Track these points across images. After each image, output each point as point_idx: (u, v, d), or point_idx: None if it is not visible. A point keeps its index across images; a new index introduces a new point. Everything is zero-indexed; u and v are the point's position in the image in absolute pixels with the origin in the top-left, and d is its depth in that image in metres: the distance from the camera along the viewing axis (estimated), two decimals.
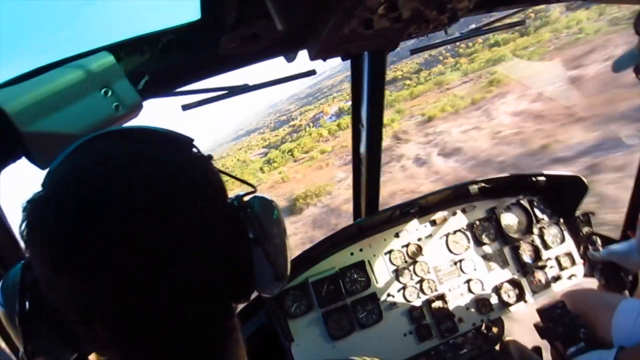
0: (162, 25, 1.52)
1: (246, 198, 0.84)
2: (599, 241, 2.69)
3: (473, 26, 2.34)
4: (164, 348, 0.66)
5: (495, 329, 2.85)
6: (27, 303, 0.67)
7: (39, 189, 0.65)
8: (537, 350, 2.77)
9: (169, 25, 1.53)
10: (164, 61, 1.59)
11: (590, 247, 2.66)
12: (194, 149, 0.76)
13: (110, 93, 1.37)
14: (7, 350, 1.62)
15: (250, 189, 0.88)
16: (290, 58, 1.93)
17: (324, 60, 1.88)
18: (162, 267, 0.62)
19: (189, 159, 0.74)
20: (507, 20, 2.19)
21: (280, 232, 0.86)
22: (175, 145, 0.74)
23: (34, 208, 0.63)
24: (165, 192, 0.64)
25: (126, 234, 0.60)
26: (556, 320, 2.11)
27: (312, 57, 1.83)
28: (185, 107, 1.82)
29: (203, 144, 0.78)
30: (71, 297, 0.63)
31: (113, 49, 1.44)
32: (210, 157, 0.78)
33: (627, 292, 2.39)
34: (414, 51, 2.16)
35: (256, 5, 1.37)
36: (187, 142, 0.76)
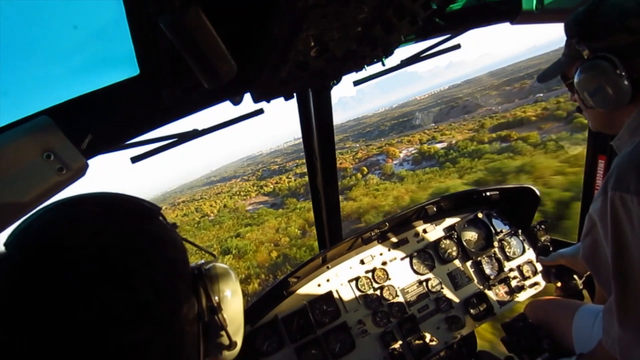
0: (101, 84, 1.53)
1: (206, 266, 0.85)
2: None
3: None
4: None
5: (467, 345, 2.88)
6: None
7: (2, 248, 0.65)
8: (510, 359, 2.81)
9: (108, 83, 1.54)
10: (106, 118, 1.60)
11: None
12: (160, 217, 0.78)
13: (52, 157, 1.36)
14: None
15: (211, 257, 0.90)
16: (235, 101, 1.96)
17: (268, 102, 1.92)
18: (114, 336, 0.62)
19: (156, 229, 0.75)
20: (443, 46, 2.27)
21: (236, 300, 0.88)
22: (142, 215, 0.75)
23: None
24: (129, 260, 0.66)
25: (83, 297, 0.60)
26: (520, 334, 2.14)
27: (255, 100, 1.87)
28: (135, 160, 1.82)
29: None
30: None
31: (52, 112, 1.44)
32: (175, 225, 0.80)
33: (588, 298, 2.46)
34: (357, 82, 2.22)
35: None
36: (154, 210, 0.77)
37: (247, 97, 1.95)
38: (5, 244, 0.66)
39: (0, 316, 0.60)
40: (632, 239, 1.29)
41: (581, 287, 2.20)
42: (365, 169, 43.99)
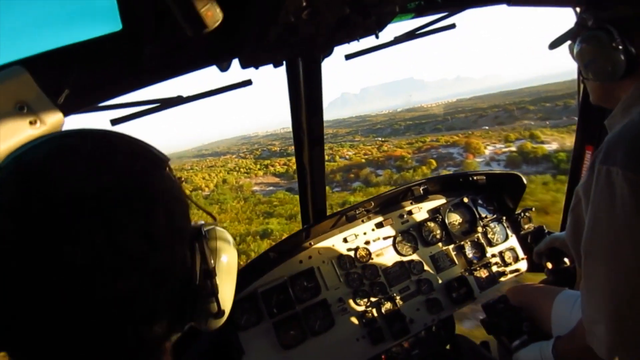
0: (82, 37, 1.47)
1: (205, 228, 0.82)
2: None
3: None
4: None
5: (446, 328, 2.90)
6: None
7: None
8: (486, 345, 2.84)
9: (89, 37, 1.48)
10: (85, 74, 1.54)
11: (533, 243, 2.74)
12: (167, 169, 0.74)
13: (25, 109, 1.30)
14: None
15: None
16: (222, 67, 1.90)
17: (256, 68, 1.87)
18: (102, 283, 0.59)
19: (161, 178, 0.71)
20: (439, 25, 2.23)
21: (231, 268, 0.86)
22: (150, 161, 0.72)
23: None
24: (128, 206, 0.62)
25: (74, 235, 0.57)
26: (500, 315, 2.15)
27: (243, 65, 1.82)
28: (115, 122, 1.76)
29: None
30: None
31: (27, 62, 1.38)
32: (181, 179, 0.78)
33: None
34: (349, 56, 2.17)
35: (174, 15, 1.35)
36: (162, 159, 0.74)
37: (236, 68, 1.91)
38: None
39: None
40: (608, 213, 1.29)
41: (571, 269, 2.21)
42: (433, 161, 36.87)
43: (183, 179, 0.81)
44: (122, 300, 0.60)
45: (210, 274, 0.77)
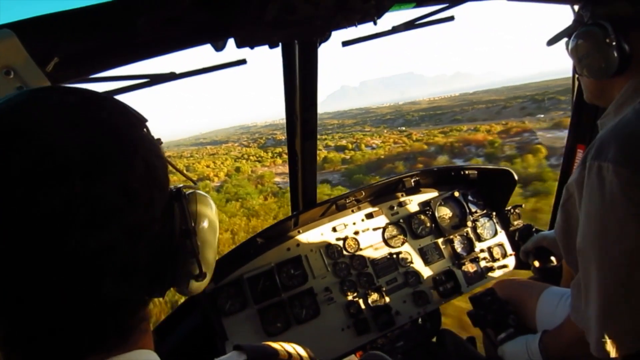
0: (74, 4, 1.43)
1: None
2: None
3: None
4: (56, 327, 0.60)
5: (432, 321, 2.90)
6: None
7: None
8: (472, 340, 2.85)
9: (81, 4, 1.44)
10: (76, 43, 1.50)
11: (521, 241, 2.74)
12: (145, 129, 0.72)
13: (12, 74, 1.27)
14: None
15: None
16: (218, 46, 1.87)
17: (251, 48, 1.83)
18: (77, 236, 0.56)
19: (140, 134, 0.70)
20: (438, 16, 2.22)
21: (212, 231, 0.84)
22: (128, 117, 0.70)
23: None
24: (104, 158, 0.60)
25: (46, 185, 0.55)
26: (487, 308, 2.14)
27: (238, 45, 1.79)
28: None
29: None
30: None
31: (16, 27, 1.33)
32: (159, 140, 0.75)
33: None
34: (346, 43, 2.15)
35: None
36: (140, 119, 0.72)
37: (231, 49, 1.87)
38: None
39: None
40: (601, 209, 1.28)
41: (558, 268, 2.23)
42: (542, 148, 26.90)
43: (161, 140, 0.79)
44: (98, 254, 0.58)
45: (189, 233, 0.75)
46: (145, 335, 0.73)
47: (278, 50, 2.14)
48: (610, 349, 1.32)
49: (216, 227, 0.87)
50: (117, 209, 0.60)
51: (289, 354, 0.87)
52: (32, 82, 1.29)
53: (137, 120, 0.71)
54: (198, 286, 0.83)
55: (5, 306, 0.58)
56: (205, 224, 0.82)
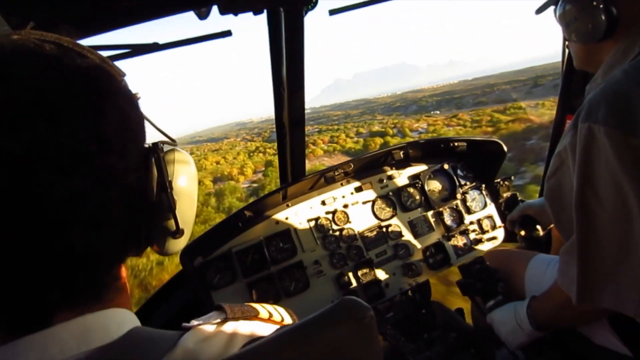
0: None
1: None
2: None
3: None
4: (24, 279, 0.58)
5: (421, 293, 2.92)
6: None
7: None
8: (460, 311, 2.87)
9: None
10: (52, 7, 1.45)
11: (507, 211, 2.75)
12: (122, 82, 0.70)
13: None
14: None
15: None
16: (201, 15, 1.82)
17: (235, 14, 1.78)
18: (44, 180, 0.55)
19: (116, 82, 0.69)
20: None
21: (190, 188, 0.82)
22: (105, 67, 0.68)
23: None
24: (77, 102, 0.59)
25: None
26: (476, 276, 2.15)
27: (222, 11, 1.74)
28: None
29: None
30: None
31: None
32: (137, 95, 0.73)
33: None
34: (333, 12, 2.10)
35: None
36: (119, 72, 0.71)
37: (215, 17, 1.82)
38: None
39: None
40: (598, 170, 1.27)
41: (542, 237, 2.24)
42: None
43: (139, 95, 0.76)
44: (65, 200, 0.56)
45: (166, 187, 0.74)
46: (121, 293, 0.71)
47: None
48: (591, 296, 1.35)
49: (195, 184, 0.85)
50: (87, 155, 0.58)
51: (270, 314, 0.85)
52: None
53: (115, 72, 0.69)
54: (175, 244, 0.81)
55: None
56: (183, 180, 0.80)
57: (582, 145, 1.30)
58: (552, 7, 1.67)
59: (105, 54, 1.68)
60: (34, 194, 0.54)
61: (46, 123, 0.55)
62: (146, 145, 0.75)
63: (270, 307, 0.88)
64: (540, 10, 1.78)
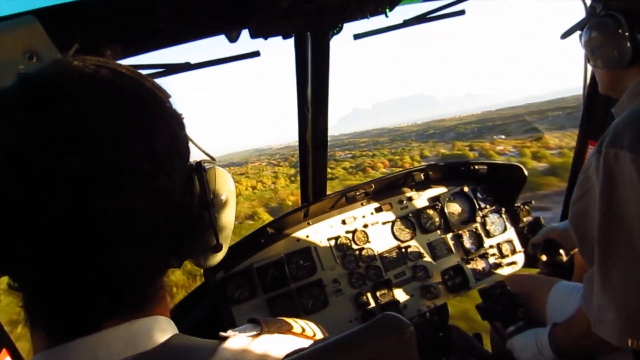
0: None
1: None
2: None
3: None
4: (76, 289, 0.62)
5: (439, 316, 2.91)
6: None
7: None
8: (478, 337, 2.85)
9: None
10: (95, 30, 1.54)
11: (529, 235, 2.74)
12: (169, 103, 0.75)
13: (35, 59, 1.31)
14: None
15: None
16: (231, 37, 1.90)
17: (265, 38, 1.87)
18: (101, 198, 0.59)
19: (166, 105, 0.73)
20: (448, 10, 2.23)
21: (230, 205, 0.85)
22: (157, 90, 0.73)
23: None
24: (133, 123, 0.64)
25: (81, 146, 0.58)
26: (496, 300, 2.14)
27: (253, 35, 1.82)
28: None
29: None
30: (4, 208, 0.59)
31: (39, 13, 1.38)
32: (182, 115, 0.77)
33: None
34: (357, 36, 2.17)
35: None
36: (166, 94, 0.75)
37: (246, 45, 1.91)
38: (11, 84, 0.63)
39: None
40: (622, 196, 1.28)
41: (565, 263, 2.21)
42: None
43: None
44: (119, 217, 0.60)
45: (208, 205, 0.77)
46: (162, 303, 0.75)
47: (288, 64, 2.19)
48: (633, 337, 1.32)
49: (234, 202, 0.88)
50: (141, 174, 0.62)
51: (303, 328, 0.89)
52: None
53: (163, 94, 0.74)
54: (214, 257, 0.85)
55: (28, 268, 0.61)
56: (223, 198, 0.83)
57: (606, 171, 1.31)
58: (577, 33, 1.71)
59: (143, 72, 1.78)
60: (90, 211, 0.58)
61: (108, 144, 0.59)
62: (190, 162, 0.78)
63: (302, 322, 0.91)
64: (565, 35, 1.81)
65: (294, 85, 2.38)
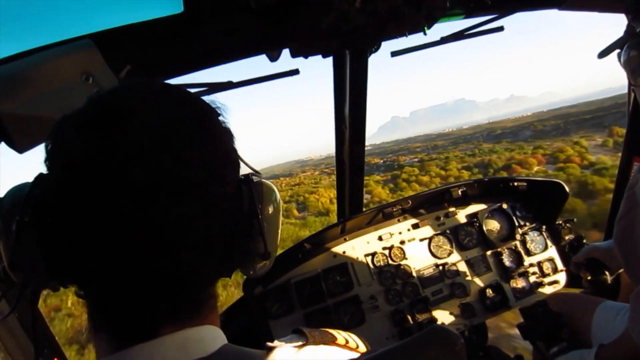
0: (146, 16, 1.56)
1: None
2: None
3: None
4: (139, 294, 0.67)
5: (478, 335, 2.85)
6: (29, 213, 0.68)
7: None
8: (519, 358, 2.77)
9: (152, 16, 1.57)
10: (146, 52, 1.63)
11: (571, 253, 2.66)
12: (222, 118, 0.79)
13: (91, 80, 1.39)
14: None
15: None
16: (272, 57, 1.96)
17: (305, 57, 1.92)
18: (163, 206, 0.63)
19: (221, 120, 0.78)
20: (486, 27, 2.23)
21: (276, 216, 0.89)
22: (209, 105, 0.78)
23: (60, 125, 0.68)
24: (192, 137, 0.69)
25: (140, 165, 0.62)
26: (538, 320, 2.09)
27: (293, 54, 1.87)
28: None
29: None
30: (73, 218, 0.64)
31: (95, 37, 1.47)
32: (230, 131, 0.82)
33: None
34: (395, 53, 2.20)
35: None
36: (219, 107, 0.80)
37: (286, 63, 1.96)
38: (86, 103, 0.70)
39: (62, 160, 0.66)
40: None
41: (610, 282, 2.14)
42: None
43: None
44: (178, 225, 0.65)
45: (257, 214, 0.80)
46: (213, 311, 0.78)
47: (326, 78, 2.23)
48: None
49: (280, 212, 0.91)
50: (198, 183, 0.67)
51: (346, 340, 0.90)
52: (108, 87, 1.41)
53: (216, 111, 0.79)
54: (263, 265, 0.87)
55: (96, 275, 0.66)
56: (270, 208, 0.87)
57: None
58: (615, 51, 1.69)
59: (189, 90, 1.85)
60: (152, 218, 0.63)
61: (168, 156, 0.64)
62: (239, 175, 0.83)
63: (345, 334, 0.93)
64: (603, 55, 1.79)
65: (331, 96, 2.42)
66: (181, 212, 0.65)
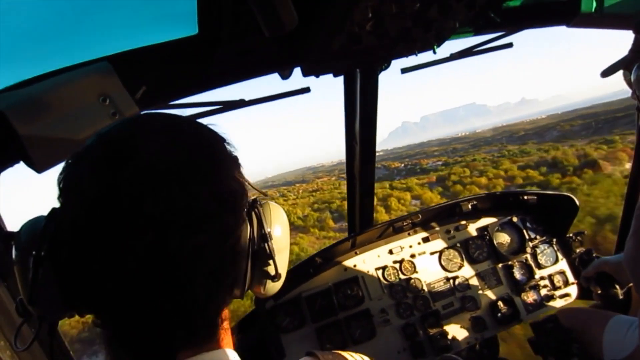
0: (161, 39, 1.59)
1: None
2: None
3: None
4: (156, 322, 0.69)
5: (489, 348, 2.84)
6: (45, 248, 0.70)
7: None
8: None
9: (168, 38, 1.60)
10: (161, 73, 1.67)
11: (580, 267, 2.65)
12: (228, 146, 0.82)
13: (108, 101, 1.42)
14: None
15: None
16: (284, 75, 1.99)
17: (317, 76, 1.95)
18: (177, 238, 0.65)
19: (229, 150, 0.81)
20: (496, 43, 2.25)
21: (285, 236, 0.91)
22: (215, 136, 0.80)
23: (72, 162, 0.70)
24: (202, 169, 0.71)
25: (153, 198, 0.65)
26: (549, 335, 2.09)
27: (305, 73, 1.90)
28: None
29: None
30: (90, 253, 0.66)
31: (112, 59, 1.50)
32: (237, 157, 0.84)
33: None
34: (405, 70, 2.22)
35: (249, 20, 1.45)
36: (223, 139, 0.82)
37: (297, 80, 1.99)
38: (92, 140, 0.72)
39: (77, 198, 0.67)
40: None
41: (621, 296, 2.13)
42: None
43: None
44: (193, 254, 0.67)
45: (266, 238, 0.82)
46: (227, 334, 0.81)
47: (335, 87, 2.26)
48: None
49: (287, 234, 0.93)
50: (210, 214, 0.69)
51: None
52: (124, 109, 1.45)
53: (221, 139, 0.81)
54: (273, 286, 0.89)
55: (114, 305, 0.68)
56: (278, 230, 0.89)
57: None
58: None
59: (201, 109, 1.88)
60: (169, 250, 0.65)
61: (178, 189, 0.66)
62: (247, 199, 0.84)
63: (357, 356, 0.94)
64: (606, 74, 1.79)
65: (340, 104, 2.43)
66: (195, 243, 0.67)
